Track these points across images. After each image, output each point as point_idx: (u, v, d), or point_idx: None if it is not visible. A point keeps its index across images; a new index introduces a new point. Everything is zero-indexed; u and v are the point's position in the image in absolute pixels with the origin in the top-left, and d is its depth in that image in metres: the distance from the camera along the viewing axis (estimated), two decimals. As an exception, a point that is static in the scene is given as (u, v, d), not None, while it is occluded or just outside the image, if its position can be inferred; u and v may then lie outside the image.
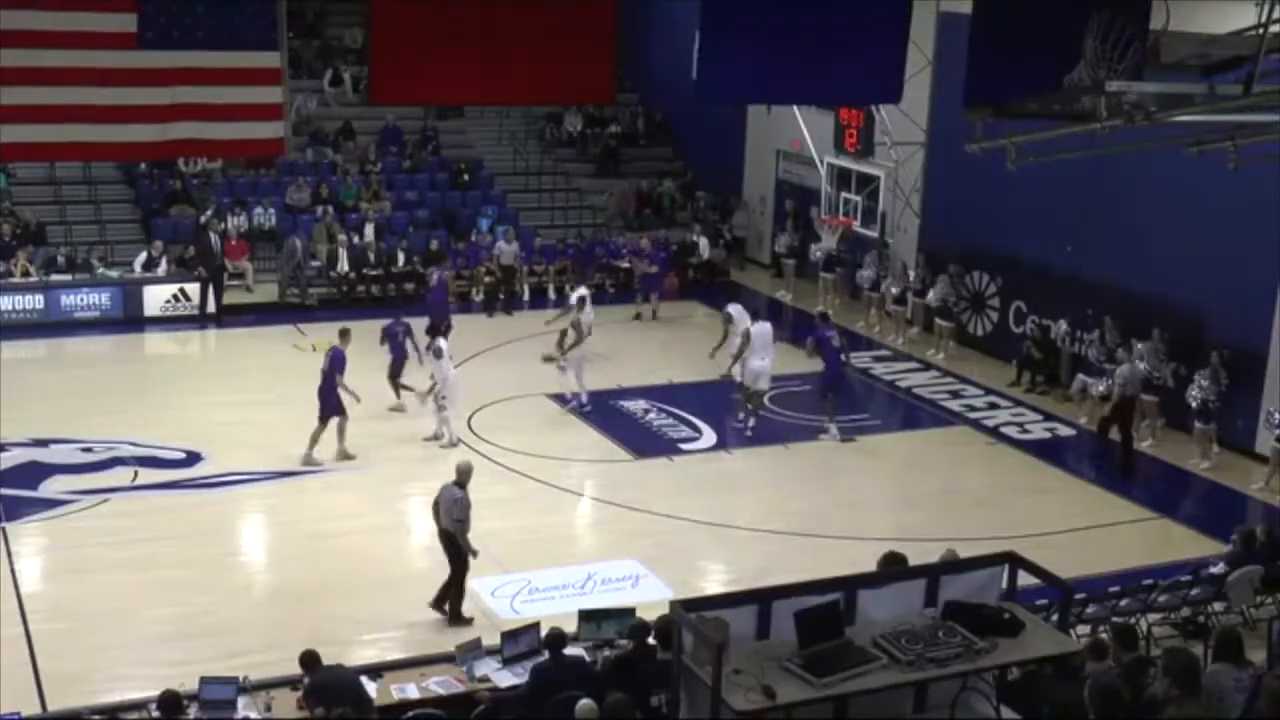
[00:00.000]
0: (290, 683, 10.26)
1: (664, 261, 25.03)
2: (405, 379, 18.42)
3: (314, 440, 16.65)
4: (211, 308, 22.86)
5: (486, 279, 24.48)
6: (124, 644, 12.33)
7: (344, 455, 16.82)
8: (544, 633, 10.48)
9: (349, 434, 16.84)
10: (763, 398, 18.50)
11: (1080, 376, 19.58)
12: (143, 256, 23.30)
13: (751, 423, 18.33)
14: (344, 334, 17.20)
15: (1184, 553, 14.92)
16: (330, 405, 16.66)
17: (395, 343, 18.53)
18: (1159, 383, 18.25)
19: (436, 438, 17.35)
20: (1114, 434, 17.87)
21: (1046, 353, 20.60)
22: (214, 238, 23.39)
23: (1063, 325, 20.08)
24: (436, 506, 13.01)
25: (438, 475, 16.32)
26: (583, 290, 20.34)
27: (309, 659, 10.06)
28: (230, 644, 12.08)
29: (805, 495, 16.56)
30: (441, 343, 17.48)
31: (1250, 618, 12.95)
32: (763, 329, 18.42)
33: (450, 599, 12.88)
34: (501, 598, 13.45)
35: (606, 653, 10.63)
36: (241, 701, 9.92)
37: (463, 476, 12.91)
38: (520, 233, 25.64)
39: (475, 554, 12.95)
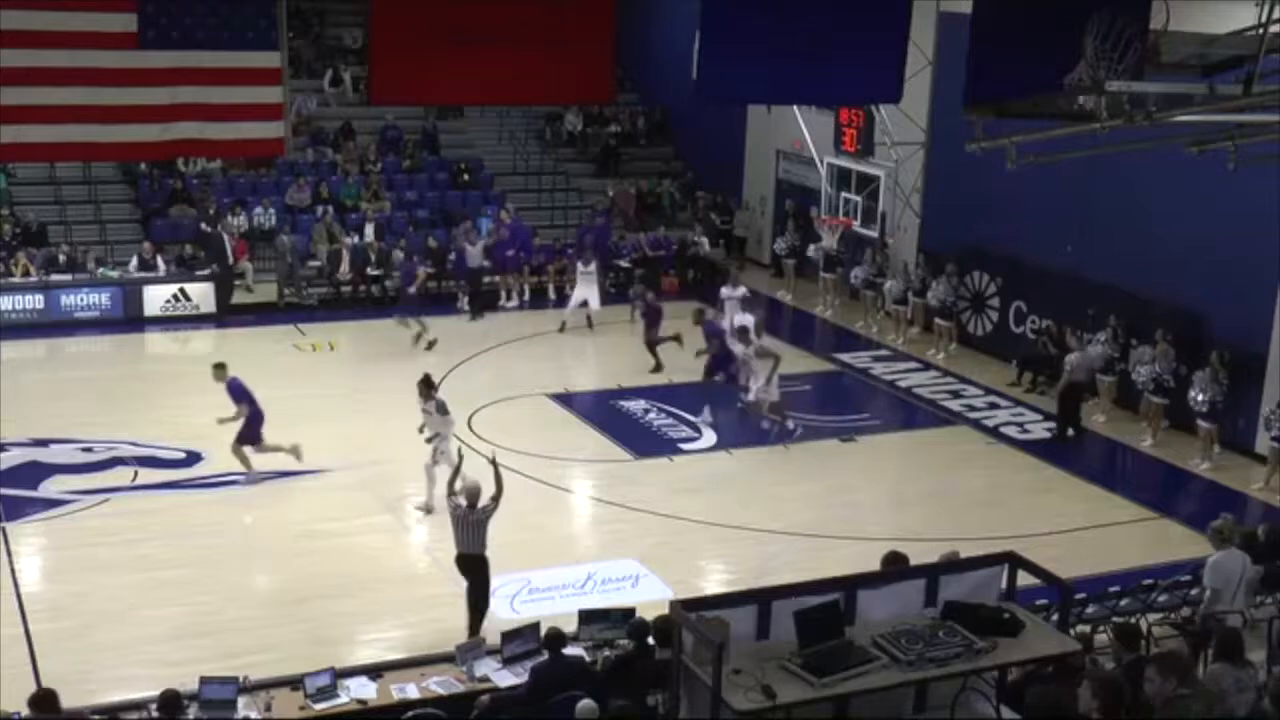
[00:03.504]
0: (290, 683, 10.27)
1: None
2: None
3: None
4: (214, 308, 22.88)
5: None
6: (124, 644, 12.31)
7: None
8: (544, 633, 10.48)
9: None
10: None
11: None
12: (134, 261, 23.22)
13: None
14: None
15: (1184, 553, 14.87)
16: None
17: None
18: (1168, 386, 18.22)
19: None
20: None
21: (1061, 349, 20.51)
22: (227, 239, 23.38)
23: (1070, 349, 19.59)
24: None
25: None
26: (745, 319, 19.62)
27: (43, 701, 8.79)
28: (230, 644, 12.07)
29: (805, 495, 16.54)
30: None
31: (1250, 618, 12.93)
32: None
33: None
34: (501, 598, 13.42)
35: (606, 653, 10.63)
36: (241, 701, 9.92)
37: (472, 498, 12.36)
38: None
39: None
